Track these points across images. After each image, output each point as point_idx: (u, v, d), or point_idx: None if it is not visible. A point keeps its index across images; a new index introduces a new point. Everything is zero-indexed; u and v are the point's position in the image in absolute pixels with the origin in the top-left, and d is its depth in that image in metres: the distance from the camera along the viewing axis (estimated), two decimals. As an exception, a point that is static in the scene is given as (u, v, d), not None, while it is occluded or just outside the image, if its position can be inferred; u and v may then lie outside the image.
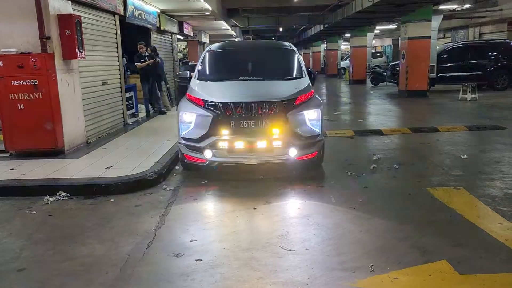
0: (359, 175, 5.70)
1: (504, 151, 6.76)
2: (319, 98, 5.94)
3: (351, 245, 3.62)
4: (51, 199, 4.91)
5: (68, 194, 5.02)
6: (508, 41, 17.67)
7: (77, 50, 6.71)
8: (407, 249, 3.53)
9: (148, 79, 10.71)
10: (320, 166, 6.02)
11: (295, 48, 6.81)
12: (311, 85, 6.02)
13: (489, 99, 13.82)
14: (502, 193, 4.82)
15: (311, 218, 4.24)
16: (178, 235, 3.91)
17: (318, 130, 5.56)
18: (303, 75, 6.16)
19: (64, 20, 6.58)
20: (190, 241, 3.75)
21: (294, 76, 6.19)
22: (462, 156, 6.49)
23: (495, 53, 16.59)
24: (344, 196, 4.89)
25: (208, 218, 4.41)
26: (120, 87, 9.32)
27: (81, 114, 7.31)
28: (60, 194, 5.00)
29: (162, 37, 13.64)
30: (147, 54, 10.59)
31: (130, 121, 9.91)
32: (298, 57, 6.55)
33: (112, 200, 4.90)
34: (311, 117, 5.51)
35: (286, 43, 7.01)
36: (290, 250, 3.52)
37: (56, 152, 6.53)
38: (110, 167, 5.80)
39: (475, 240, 3.66)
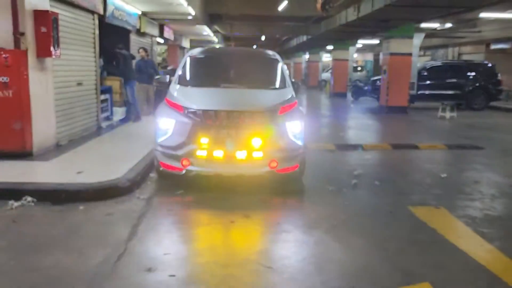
0: (340, 190, 5.58)
1: (482, 172, 6.77)
2: (302, 110, 5.83)
3: (332, 264, 3.48)
4: (16, 204, 4.60)
5: (35, 199, 4.72)
6: (486, 62, 18.07)
7: (52, 48, 6.42)
8: (389, 270, 3.42)
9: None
10: (301, 179, 5.88)
11: (279, 58, 6.69)
12: (294, 96, 5.91)
13: (467, 118, 14.03)
14: (482, 214, 4.78)
15: (291, 234, 4.08)
16: (151, 248, 3.69)
17: (300, 142, 5.43)
18: (287, 86, 6.04)
19: (40, 17, 6.28)
20: (164, 254, 3.54)
21: (278, 86, 6.07)
22: (442, 175, 6.46)
23: (474, 74, 16.94)
24: (325, 212, 4.75)
25: (183, 231, 4.20)
26: (96, 89, 9.02)
27: (53, 115, 6.98)
28: (26, 199, 4.69)
29: (142, 40, 13.37)
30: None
31: (104, 124, 9.58)
32: (282, 67, 6.43)
33: (81, 207, 4.62)
34: (294, 129, 5.38)
35: (270, 52, 6.89)
36: (269, 268, 3.35)
37: (24, 154, 6.18)
38: (81, 172, 5.52)
39: (457, 262, 3.58)
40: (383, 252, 3.74)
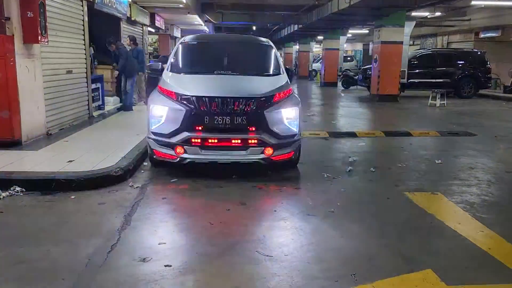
0: (336, 177, 5.51)
1: (477, 158, 6.75)
2: (297, 97, 5.73)
3: (331, 252, 3.41)
4: (3, 194, 4.45)
5: (24, 189, 4.57)
6: (476, 50, 18.08)
7: (39, 34, 6.23)
8: (390, 256, 3.35)
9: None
10: (296, 166, 5.80)
11: (272, 44, 6.57)
12: (289, 82, 5.81)
13: (457, 106, 14.07)
14: (479, 200, 4.74)
15: (288, 221, 4.00)
16: (145, 237, 3.58)
17: (295, 129, 5.34)
18: (281, 72, 5.94)
19: (26, 1, 6.06)
20: (158, 244, 3.43)
21: (272, 72, 5.97)
22: (437, 161, 6.43)
23: (463, 62, 16.95)
24: (322, 199, 4.68)
25: (178, 219, 4.09)
26: (86, 77, 8.81)
27: (42, 103, 6.80)
28: (14, 189, 4.54)
29: (132, 28, 13.11)
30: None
31: (95, 113, 9.40)
32: (275, 53, 6.32)
33: (72, 197, 4.49)
34: (289, 115, 5.29)
35: (264, 39, 6.77)
36: (267, 256, 3.27)
37: (13, 143, 6.00)
38: (71, 161, 5.37)
39: (458, 248, 3.52)
40: (382, 239, 3.68)
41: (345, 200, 4.67)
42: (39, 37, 6.27)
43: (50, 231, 3.67)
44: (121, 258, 3.18)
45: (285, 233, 3.75)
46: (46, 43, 6.59)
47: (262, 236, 3.66)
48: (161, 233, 3.67)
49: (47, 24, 6.50)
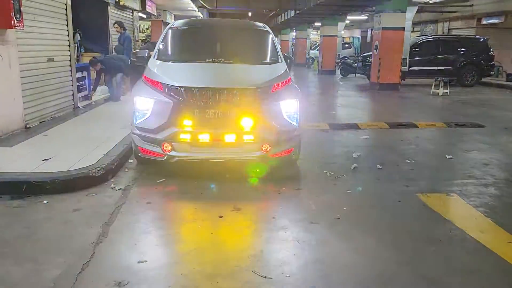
0: (340, 176, 5.01)
1: (489, 152, 6.27)
2: (297, 87, 5.20)
3: (341, 270, 2.93)
4: (-33, 199, 3.95)
5: (-10, 193, 4.07)
6: (479, 37, 17.51)
7: (13, 19, 5.65)
8: (410, 277, 2.87)
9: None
10: (296, 164, 5.31)
11: (269, 29, 6.03)
12: (288, 71, 5.28)
13: (460, 95, 13.58)
14: (501, 203, 4.27)
15: (289, 231, 3.51)
16: (123, 253, 3.08)
17: (295, 123, 4.83)
18: (279, 60, 5.41)
19: (-3, -19, 5.50)
20: (138, 262, 2.93)
21: (269, 60, 5.44)
22: (448, 157, 5.94)
23: (465, 49, 16.42)
24: (326, 202, 4.19)
25: (163, 230, 3.58)
26: (70, 66, 8.23)
27: (19, 94, 6.24)
28: (-22, 193, 4.05)
29: (121, 14, 12.48)
30: None
31: (81, 104, 8.84)
32: (273, 39, 5.78)
33: (45, 202, 3.97)
34: (288, 108, 4.77)
35: (260, 24, 6.22)
36: (265, 278, 2.78)
37: (-16, 138, 5.50)
38: (47, 159, 4.84)
39: (486, 266, 3.04)
40: (398, 253, 3.19)
41: (352, 204, 4.18)
42: (13, 22, 5.69)
43: (14, 246, 3.16)
44: (92, 283, 2.68)
45: (286, 246, 3.25)
46: (22, 28, 6.02)
47: (260, 250, 3.17)
48: (142, 248, 3.16)
49: (22, 7, 5.92)
